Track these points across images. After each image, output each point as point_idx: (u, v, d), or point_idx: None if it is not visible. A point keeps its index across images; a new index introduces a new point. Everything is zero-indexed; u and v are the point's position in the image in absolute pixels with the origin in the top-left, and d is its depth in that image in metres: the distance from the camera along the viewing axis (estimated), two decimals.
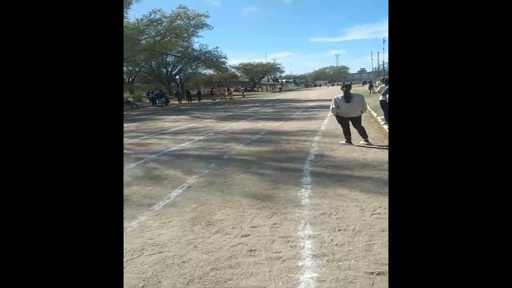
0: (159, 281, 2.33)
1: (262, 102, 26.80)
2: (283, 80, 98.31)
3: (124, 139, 9.13)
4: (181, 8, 30.53)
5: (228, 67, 46.55)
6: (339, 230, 3.05)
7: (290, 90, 69.13)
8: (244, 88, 58.26)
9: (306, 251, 2.67)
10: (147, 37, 29.85)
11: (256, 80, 75.03)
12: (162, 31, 30.27)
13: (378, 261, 2.50)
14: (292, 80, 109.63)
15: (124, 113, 20.85)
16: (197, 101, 31.51)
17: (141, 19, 28.81)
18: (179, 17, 30.51)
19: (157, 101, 27.17)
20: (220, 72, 46.84)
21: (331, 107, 7.13)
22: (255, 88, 71.24)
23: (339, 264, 2.48)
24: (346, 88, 6.98)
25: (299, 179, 4.68)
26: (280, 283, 2.27)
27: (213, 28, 33.21)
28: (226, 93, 36.62)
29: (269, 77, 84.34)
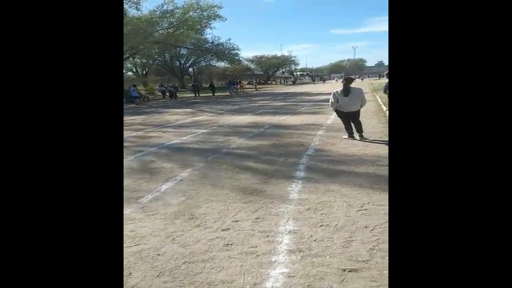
0: (130, 273, 2.35)
1: (273, 95, 26.69)
2: (298, 73, 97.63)
3: (129, 132, 9.23)
4: None
5: (241, 59, 46.16)
6: (321, 226, 3.02)
7: (304, 83, 68.65)
8: (256, 81, 57.98)
9: (283, 247, 2.66)
10: (160, 29, 29.81)
11: (270, 73, 74.73)
12: (175, 23, 30.16)
13: (353, 258, 2.47)
14: (305, 73, 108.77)
15: (134, 105, 21.08)
16: (211, 95, 31.43)
17: (154, 11, 28.74)
18: (191, 8, 30.33)
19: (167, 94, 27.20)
20: (233, 65, 46.73)
21: (330, 101, 7.00)
22: (268, 81, 70.93)
23: (313, 260, 2.46)
24: (346, 81, 6.80)
25: (292, 173, 4.65)
26: (249, 278, 2.26)
27: (226, 19, 32.81)
28: (238, 86, 36.51)
29: (283, 70, 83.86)
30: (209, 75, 51.09)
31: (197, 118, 12.48)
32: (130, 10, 27.52)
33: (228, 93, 32.79)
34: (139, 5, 27.72)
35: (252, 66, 68.40)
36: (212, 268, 2.38)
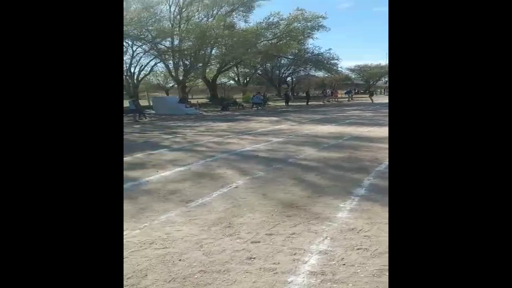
0: (146, 275, 2.41)
1: (366, 106, 25.59)
2: None
3: (209, 137, 9.65)
4: (299, 10, 30.73)
5: (340, 68, 45.30)
6: (359, 249, 2.77)
7: None
8: (354, 90, 56.13)
9: (306, 267, 2.49)
10: (264, 40, 30.74)
11: (371, 82, 71.99)
12: (279, 34, 30.88)
13: None
14: None
15: (227, 112, 22.02)
16: (304, 103, 31.39)
17: (260, 23, 29.78)
18: (296, 20, 30.75)
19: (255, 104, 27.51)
20: (331, 74, 46.05)
21: None
22: (367, 91, 68.33)
23: (332, 286, 2.25)
24: None
25: (352, 189, 4.37)
26: None
27: (329, 29, 32.63)
28: (332, 95, 35.86)
29: (386, 79, 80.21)
30: (307, 84, 51.08)
31: (278, 126, 12.54)
32: (239, 23, 29.25)
33: (321, 102, 32.39)
34: (248, 17, 29.23)
35: (353, 76, 66.64)
36: (224, 281, 2.33)
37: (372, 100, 32.84)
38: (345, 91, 43.58)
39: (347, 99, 37.48)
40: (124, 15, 21.04)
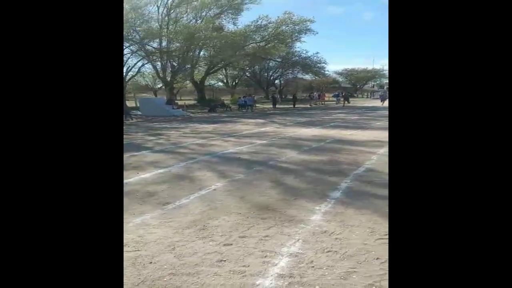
0: None
1: (352, 109, 25.85)
2: (387, 87, 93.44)
3: (194, 139, 9.65)
4: (287, 13, 30.90)
5: (327, 72, 45.62)
6: (328, 251, 2.82)
7: None
8: (344, 93, 56.57)
9: (275, 270, 2.53)
10: (252, 43, 30.81)
11: (358, 86, 72.66)
12: (267, 36, 30.97)
13: None
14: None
15: (214, 114, 21.99)
16: (290, 106, 31.55)
17: (249, 25, 29.84)
18: (284, 23, 30.91)
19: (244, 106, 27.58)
20: (319, 77, 46.35)
21: None
22: (354, 94, 68.92)
23: None
24: None
25: (328, 192, 4.43)
26: None
27: (317, 33, 32.84)
28: (319, 98, 36.13)
29: (373, 83, 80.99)
30: (295, 87, 51.27)
31: (263, 129, 12.59)
32: (228, 26, 29.22)
33: (308, 105, 32.59)
34: (237, 20, 29.25)
35: (340, 79, 67.18)
36: (193, 284, 2.35)
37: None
38: (332, 94, 43.90)
39: (335, 102, 37.71)
40: None
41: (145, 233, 3.18)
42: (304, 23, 31.18)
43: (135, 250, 2.83)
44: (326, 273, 2.49)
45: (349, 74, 70.23)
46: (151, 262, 2.64)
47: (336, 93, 41.32)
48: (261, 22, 30.13)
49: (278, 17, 30.73)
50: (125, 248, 2.87)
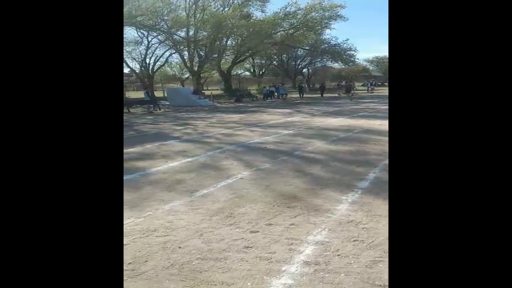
0: (146, 261, 2.52)
1: (383, 98, 25.31)
2: None
3: (220, 129, 9.75)
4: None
5: (357, 59, 44.46)
6: (355, 240, 2.82)
7: None
8: (372, 82, 55.40)
9: (301, 257, 2.55)
10: (281, 30, 30.39)
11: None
12: (296, 24, 30.44)
13: (369, 281, 2.26)
14: None
15: (240, 104, 22.07)
16: (318, 95, 31.16)
17: (277, 13, 29.36)
18: (313, 9, 30.24)
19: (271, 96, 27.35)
20: (348, 66, 45.41)
21: None
22: (385, 83, 67.33)
23: (325, 276, 2.31)
24: None
25: (355, 183, 4.39)
26: (249, 283, 2.24)
27: (347, 19, 32.00)
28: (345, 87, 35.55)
29: None
30: (323, 76, 50.51)
31: (290, 119, 12.56)
32: (255, 13, 28.93)
33: (337, 95, 32.16)
34: (265, 7, 28.88)
35: (371, 68, 65.66)
36: (220, 268, 2.41)
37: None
38: (362, 84, 42.99)
39: (365, 91, 36.94)
40: (139, 5, 21.20)
41: (174, 219, 3.27)
42: (335, 9, 30.48)
43: (165, 235, 2.92)
44: (352, 261, 2.50)
45: (380, 62, 68.45)
46: (180, 247, 2.72)
47: (367, 81, 40.68)
48: (290, 8, 29.63)
49: (308, 3, 30.12)
50: (154, 233, 2.97)
